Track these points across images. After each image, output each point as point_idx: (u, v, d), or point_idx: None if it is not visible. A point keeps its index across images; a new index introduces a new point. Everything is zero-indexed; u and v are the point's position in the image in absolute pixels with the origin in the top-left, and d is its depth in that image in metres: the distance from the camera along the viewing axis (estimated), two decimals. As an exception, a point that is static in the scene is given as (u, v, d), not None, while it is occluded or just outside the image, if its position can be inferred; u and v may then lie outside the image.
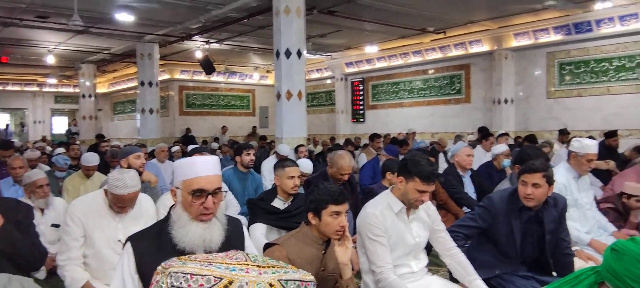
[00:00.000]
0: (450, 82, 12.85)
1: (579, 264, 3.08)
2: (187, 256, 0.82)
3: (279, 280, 0.67)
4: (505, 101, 11.35)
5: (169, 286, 0.74)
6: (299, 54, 7.31)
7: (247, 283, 0.66)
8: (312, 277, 0.71)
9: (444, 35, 11.63)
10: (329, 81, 16.35)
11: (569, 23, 10.01)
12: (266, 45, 12.17)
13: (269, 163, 6.65)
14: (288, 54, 7.26)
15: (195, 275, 0.71)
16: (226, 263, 0.69)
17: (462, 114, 12.52)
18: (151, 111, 11.71)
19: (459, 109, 12.61)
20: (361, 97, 15.19)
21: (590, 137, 4.71)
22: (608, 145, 6.90)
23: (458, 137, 9.65)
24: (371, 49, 13.37)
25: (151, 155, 6.95)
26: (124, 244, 1.73)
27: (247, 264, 0.69)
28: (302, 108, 7.45)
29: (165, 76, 15.63)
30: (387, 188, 4.19)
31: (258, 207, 3.27)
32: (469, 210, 4.61)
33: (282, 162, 3.34)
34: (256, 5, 8.47)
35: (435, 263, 3.50)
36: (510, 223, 2.82)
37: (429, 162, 2.57)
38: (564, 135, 8.99)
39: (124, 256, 1.70)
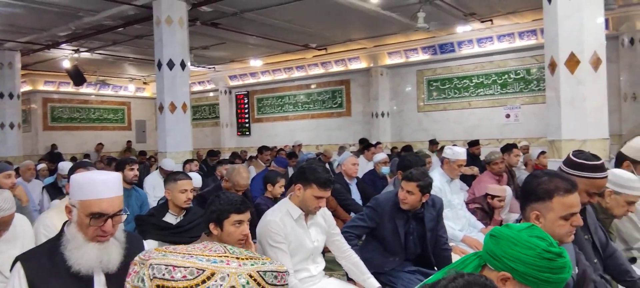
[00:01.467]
0: (332, 96, 13.40)
1: (454, 258, 3.43)
2: (164, 248, 0.79)
3: (258, 272, 0.69)
4: (382, 114, 12.12)
5: (150, 277, 0.70)
6: (183, 65, 7.11)
7: (228, 275, 0.66)
8: (286, 268, 0.74)
9: (326, 52, 12.11)
10: (212, 94, 16.05)
11: (435, 44, 11.04)
12: (144, 56, 11.59)
13: (152, 180, 6.34)
14: (171, 65, 7.02)
15: (178, 267, 0.69)
16: (206, 255, 0.69)
17: (344, 126, 13.10)
18: (12, 126, 10.47)
19: (341, 122, 13.19)
20: (246, 110, 15.14)
21: (475, 142, 5.28)
22: (472, 152, 7.71)
23: (342, 148, 10.11)
24: (255, 63, 13.43)
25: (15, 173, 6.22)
26: (13, 265, 1.56)
27: (227, 256, 0.69)
28: (187, 121, 7.23)
29: (27, 87, 14.09)
30: (269, 199, 4.29)
31: (148, 224, 3.11)
32: (355, 215, 4.87)
33: (175, 175, 3.23)
34: (134, 14, 8.06)
35: (329, 268, 3.63)
36: (394, 222, 3.08)
37: (325, 169, 2.70)
38: (434, 145, 9.88)
39: (14, 278, 1.53)
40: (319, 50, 11.93)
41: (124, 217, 1.66)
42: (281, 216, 2.60)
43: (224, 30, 9.50)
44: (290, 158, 7.70)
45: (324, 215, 2.83)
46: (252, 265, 0.68)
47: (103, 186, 1.59)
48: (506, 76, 10.69)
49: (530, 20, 9.64)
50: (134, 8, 7.70)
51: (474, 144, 7.90)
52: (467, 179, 6.84)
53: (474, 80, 11.10)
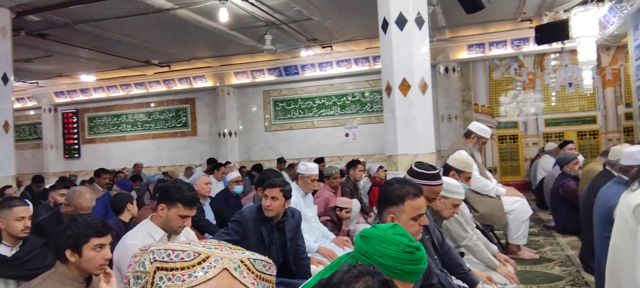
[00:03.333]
0: (176, 115, 12.94)
1: (312, 268, 3.61)
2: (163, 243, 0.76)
3: (248, 259, 0.70)
4: (230, 134, 12.10)
5: (151, 260, 0.67)
6: (5, 79, 6.23)
7: (221, 258, 0.67)
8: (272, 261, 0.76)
9: (169, 69, 11.69)
10: (33, 112, 14.23)
11: (280, 66, 11.46)
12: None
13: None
14: (-12, 78, 6.10)
15: (177, 250, 0.68)
16: (202, 244, 0.70)
17: (189, 146, 12.72)
18: None
19: (186, 142, 12.78)
20: (75, 130, 13.73)
21: (320, 159, 5.59)
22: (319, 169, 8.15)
23: (188, 169, 9.81)
24: (88, 78, 12.32)
25: None
26: None
27: (220, 245, 0.71)
28: (10, 142, 6.32)
29: None
30: (122, 221, 4.03)
31: (-26, 258, 2.68)
32: (210, 235, 4.80)
33: (9, 202, 2.85)
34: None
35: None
36: (259, 232, 3.18)
37: (190, 187, 2.65)
38: (282, 163, 10.19)
39: None
40: (162, 67, 11.48)
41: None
42: (142, 238, 2.47)
43: (52, 42, 8.58)
44: (135, 181, 7.23)
45: (188, 235, 2.77)
46: (242, 253, 0.71)
47: None
48: (345, 98, 11.57)
49: (364, 48, 10.63)
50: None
51: (319, 161, 8.36)
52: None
53: (316, 102, 11.77)
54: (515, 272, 3.54)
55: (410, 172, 2.72)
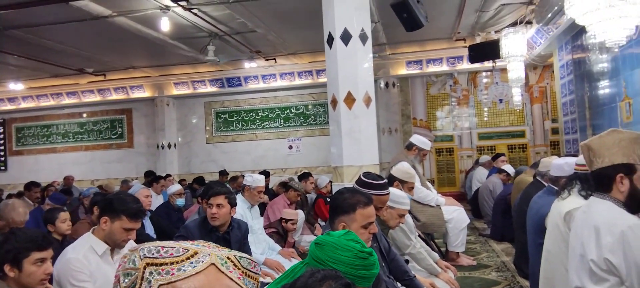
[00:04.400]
0: (111, 126, 12.42)
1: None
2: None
3: (234, 256, 0.71)
4: (169, 146, 11.76)
5: (141, 257, 0.66)
6: None
7: (209, 254, 0.68)
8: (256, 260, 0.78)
9: (104, 78, 11.23)
10: (-49, 122, 13.17)
11: (223, 77, 11.33)
12: None
13: None
14: None
15: (166, 247, 0.67)
16: (190, 242, 0.69)
17: (125, 158, 12.23)
18: None
19: (121, 154, 12.28)
20: (2, 142, 12.83)
21: (265, 172, 5.56)
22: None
23: (124, 182, 9.43)
24: (16, 87, 11.59)
25: None
26: None
27: (207, 244, 0.71)
28: None
29: None
30: (56, 239, 3.83)
31: None
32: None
33: None
34: None
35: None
36: None
37: (134, 199, 2.57)
38: (224, 176, 10.04)
39: None
40: (97, 75, 11.00)
41: None
42: (84, 252, 2.37)
43: (-24, 47, 8.02)
44: (68, 195, 6.85)
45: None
46: (229, 251, 0.73)
47: None
48: (288, 111, 11.60)
49: (307, 61, 10.75)
50: None
51: (264, 174, 8.32)
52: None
53: (260, 114, 11.72)
54: (456, 278, 3.69)
55: (359, 182, 2.78)
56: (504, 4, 7.33)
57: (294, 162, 11.45)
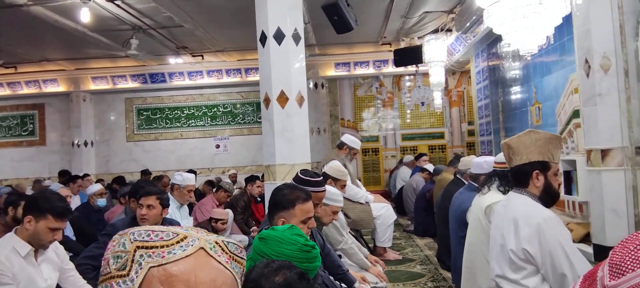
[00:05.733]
0: (22, 122, 11.49)
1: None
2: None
3: (222, 241, 0.70)
4: (85, 144, 11.10)
5: (131, 240, 0.63)
6: None
7: (198, 239, 0.66)
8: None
9: (15, 71, 10.38)
10: None
11: (145, 73, 10.87)
12: None
13: None
14: None
15: (156, 231, 0.64)
16: (180, 227, 0.68)
17: (36, 157, 11.37)
18: None
19: (33, 152, 11.40)
20: None
21: (192, 171, 5.42)
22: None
23: (37, 182, 8.80)
24: None
25: None
26: None
27: (196, 229, 0.69)
28: None
29: None
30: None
31: None
32: (71, 253, 4.39)
33: None
34: None
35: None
36: None
37: (60, 197, 2.43)
38: (146, 175, 9.66)
39: None
40: (7, 68, 10.14)
41: None
42: (6, 254, 2.21)
43: None
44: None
45: (56, 250, 2.53)
46: (216, 236, 0.73)
47: None
48: (215, 109, 11.39)
49: (236, 59, 10.62)
50: None
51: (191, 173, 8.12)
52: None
53: (185, 112, 11.40)
54: (384, 272, 3.85)
55: (296, 179, 2.83)
56: (427, 12, 7.71)
57: (221, 161, 11.26)
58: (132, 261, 0.66)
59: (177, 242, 0.67)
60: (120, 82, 11.06)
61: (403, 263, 5.04)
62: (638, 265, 1.52)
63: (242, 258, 0.75)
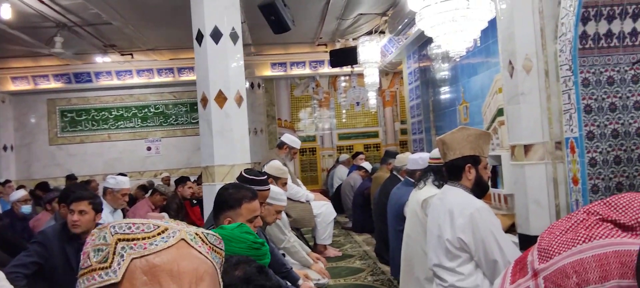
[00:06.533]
0: None
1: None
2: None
3: (202, 232, 0.70)
4: (5, 148, 10.33)
5: (112, 234, 0.60)
6: None
7: (179, 230, 0.65)
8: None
9: None
10: None
11: (69, 72, 10.27)
12: None
13: None
14: None
15: (137, 223, 0.62)
16: (159, 220, 0.67)
17: (-54, 163, 10.43)
18: None
19: (-58, 158, 10.45)
20: None
21: (123, 174, 5.22)
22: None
23: (-53, 191, 8.07)
24: None
25: None
26: None
27: (177, 222, 0.68)
28: None
29: None
30: None
31: None
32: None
33: None
34: None
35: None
36: (64, 253, 2.92)
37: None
38: (72, 180, 9.15)
39: None
40: None
41: None
42: None
43: None
44: None
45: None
46: (196, 228, 0.73)
47: None
48: (146, 110, 11.00)
49: (168, 58, 10.31)
50: None
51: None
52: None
53: (113, 113, 10.92)
54: (326, 269, 3.92)
55: (241, 178, 2.82)
56: (361, 14, 7.90)
57: (152, 164, 10.89)
58: (114, 253, 0.66)
59: (158, 234, 0.68)
60: (42, 82, 10.38)
61: (343, 259, 5.15)
62: (564, 249, 1.68)
63: (222, 249, 0.77)
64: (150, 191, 6.03)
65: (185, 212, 6.31)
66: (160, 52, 9.85)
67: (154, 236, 0.67)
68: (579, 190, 3.77)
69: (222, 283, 0.75)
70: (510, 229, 4.60)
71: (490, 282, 2.31)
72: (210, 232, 0.76)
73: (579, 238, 1.63)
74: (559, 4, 3.86)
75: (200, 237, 0.72)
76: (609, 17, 3.57)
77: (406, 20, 7.15)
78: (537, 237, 1.67)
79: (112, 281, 0.66)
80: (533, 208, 4.11)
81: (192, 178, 7.86)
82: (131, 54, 9.73)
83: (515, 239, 4.28)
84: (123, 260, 0.65)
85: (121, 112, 10.93)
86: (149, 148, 10.98)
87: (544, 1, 4.01)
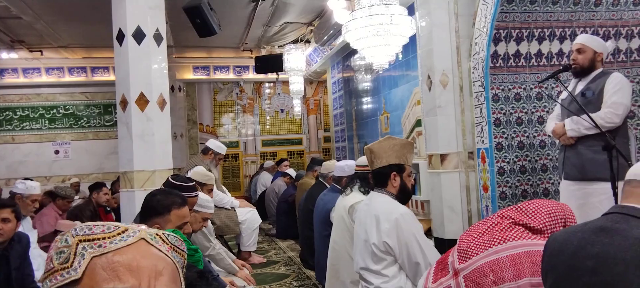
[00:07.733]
0: None
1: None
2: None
3: (162, 233, 0.68)
4: None
5: (73, 235, 0.56)
6: None
7: (139, 230, 0.64)
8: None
9: None
10: None
11: (-33, 67, 9.40)
12: None
13: None
14: None
15: (98, 225, 0.59)
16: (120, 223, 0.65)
17: None
18: None
19: None
20: None
21: (28, 179, 4.84)
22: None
23: None
24: None
25: None
26: None
27: (138, 224, 0.67)
28: None
29: None
30: None
31: None
32: None
33: None
34: None
35: None
36: None
37: None
38: (-32, 186, 8.32)
39: None
40: None
41: None
42: None
43: None
44: None
45: None
46: (156, 230, 0.72)
47: None
48: (55, 111, 10.28)
49: (81, 57, 9.74)
50: None
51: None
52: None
53: (18, 113, 10.08)
54: (251, 275, 3.91)
55: (168, 184, 2.75)
56: (288, 22, 7.98)
57: (60, 168, 10.17)
58: (75, 254, 0.67)
59: (118, 234, 0.69)
60: None
61: (268, 265, 5.15)
62: (481, 249, 1.84)
63: (183, 250, 0.78)
64: (52, 197, 5.62)
65: (100, 220, 5.98)
66: (72, 50, 9.28)
67: (114, 236, 0.68)
68: (489, 197, 4.09)
69: (183, 282, 0.76)
70: (426, 234, 4.86)
71: (413, 283, 2.45)
72: (171, 233, 0.77)
73: (495, 239, 1.79)
74: (473, 24, 4.17)
75: (160, 237, 0.73)
76: (518, 39, 3.92)
77: (331, 32, 7.33)
78: (451, 240, 1.80)
79: (73, 278, 0.67)
80: (447, 213, 4.39)
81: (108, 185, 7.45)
82: (41, 51, 9.08)
83: (431, 243, 4.54)
84: (83, 259, 0.66)
85: (27, 112, 10.12)
86: (56, 152, 10.25)
87: (460, 21, 4.32)
